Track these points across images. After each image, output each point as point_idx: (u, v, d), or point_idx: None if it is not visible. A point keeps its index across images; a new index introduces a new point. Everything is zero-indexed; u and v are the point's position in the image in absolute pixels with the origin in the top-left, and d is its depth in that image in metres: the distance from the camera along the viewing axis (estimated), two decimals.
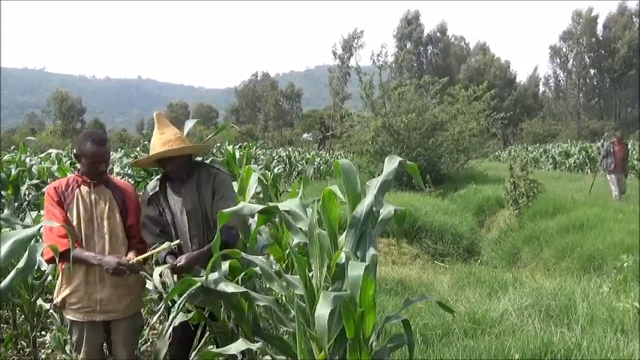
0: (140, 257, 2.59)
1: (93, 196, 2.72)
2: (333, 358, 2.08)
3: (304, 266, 2.19)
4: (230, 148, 4.80)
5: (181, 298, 2.47)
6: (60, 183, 2.76)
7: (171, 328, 2.53)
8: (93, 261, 2.56)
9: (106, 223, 2.70)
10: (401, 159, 2.22)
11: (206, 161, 3.46)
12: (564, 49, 71.27)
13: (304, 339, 2.09)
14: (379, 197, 2.15)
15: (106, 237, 2.69)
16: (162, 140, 2.76)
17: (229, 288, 2.31)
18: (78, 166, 2.78)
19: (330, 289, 2.07)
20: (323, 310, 1.77)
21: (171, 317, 2.51)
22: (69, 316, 2.71)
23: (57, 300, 2.72)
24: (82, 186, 2.73)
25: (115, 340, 2.77)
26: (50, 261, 2.70)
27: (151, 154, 2.81)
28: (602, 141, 25.28)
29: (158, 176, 2.95)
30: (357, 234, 2.11)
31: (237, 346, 2.25)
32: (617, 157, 11.21)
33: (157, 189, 2.83)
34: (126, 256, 2.65)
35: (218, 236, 2.25)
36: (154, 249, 2.65)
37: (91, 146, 2.65)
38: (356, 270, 1.86)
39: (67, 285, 2.68)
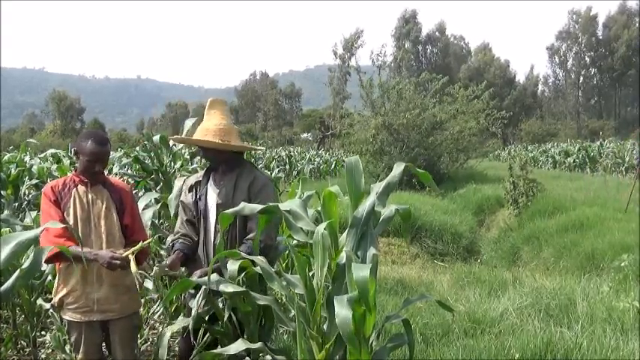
0: (130, 251, 2.58)
1: (90, 196, 2.71)
2: (333, 357, 2.08)
3: (304, 266, 2.19)
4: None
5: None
6: (57, 183, 2.76)
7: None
8: (89, 256, 2.55)
9: (102, 222, 2.70)
10: (407, 165, 2.24)
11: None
12: (563, 49, 71.31)
13: (304, 338, 2.09)
14: (382, 198, 2.15)
15: (103, 237, 2.68)
16: (202, 128, 2.76)
17: (228, 288, 2.31)
18: (77, 165, 2.78)
19: (330, 288, 2.07)
20: (344, 313, 1.81)
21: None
22: (67, 317, 2.70)
23: (54, 300, 2.72)
24: (79, 186, 2.72)
25: (114, 340, 2.77)
26: (48, 261, 2.69)
27: (192, 137, 2.83)
28: (601, 140, 25.30)
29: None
30: (358, 234, 2.11)
31: (237, 347, 2.25)
32: None
33: (201, 178, 2.84)
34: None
35: (221, 241, 2.24)
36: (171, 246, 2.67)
37: (92, 145, 2.66)
38: (362, 271, 1.85)
39: (64, 285, 2.68)
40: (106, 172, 2.91)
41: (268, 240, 2.65)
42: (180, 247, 2.73)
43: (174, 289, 2.40)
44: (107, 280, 2.64)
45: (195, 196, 2.82)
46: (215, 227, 2.72)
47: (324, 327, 2.11)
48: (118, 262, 2.52)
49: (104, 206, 2.72)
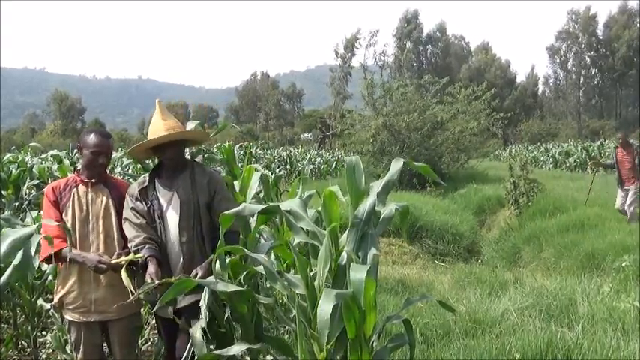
0: (122, 259, 2.55)
1: (90, 196, 2.72)
2: (334, 357, 2.08)
3: (305, 266, 2.19)
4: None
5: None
6: (59, 183, 2.78)
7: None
8: (78, 259, 2.56)
9: (101, 222, 2.70)
10: (406, 160, 2.22)
11: (197, 159, 3.48)
12: (563, 49, 71.23)
13: (305, 339, 2.09)
14: (382, 197, 2.15)
15: (101, 237, 2.69)
16: (166, 126, 2.74)
17: (230, 287, 2.31)
18: (78, 166, 2.79)
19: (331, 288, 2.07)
20: (325, 305, 1.77)
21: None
22: (67, 316, 2.72)
23: (55, 300, 2.72)
24: (79, 186, 2.73)
25: (113, 341, 2.77)
26: (46, 261, 2.70)
27: (151, 138, 2.75)
28: (602, 140, 25.29)
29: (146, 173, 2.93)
30: (358, 234, 2.11)
31: (238, 347, 2.25)
32: (620, 167, 8.20)
33: (146, 184, 2.79)
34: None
35: (222, 241, 2.25)
36: (134, 252, 2.61)
37: (96, 137, 2.70)
38: (359, 273, 1.85)
39: (63, 285, 2.69)
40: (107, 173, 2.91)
41: (238, 228, 2.80)
42: (152, 252, 2.61)
43: (172, 289, 2.39)
44: (105, 281, 2.64)
45: (147, 204, 2.74)
46: (180, 225, 2.69)
47: None
48: (104, 266, 2.52)
49: (103, 206, 2.72)
